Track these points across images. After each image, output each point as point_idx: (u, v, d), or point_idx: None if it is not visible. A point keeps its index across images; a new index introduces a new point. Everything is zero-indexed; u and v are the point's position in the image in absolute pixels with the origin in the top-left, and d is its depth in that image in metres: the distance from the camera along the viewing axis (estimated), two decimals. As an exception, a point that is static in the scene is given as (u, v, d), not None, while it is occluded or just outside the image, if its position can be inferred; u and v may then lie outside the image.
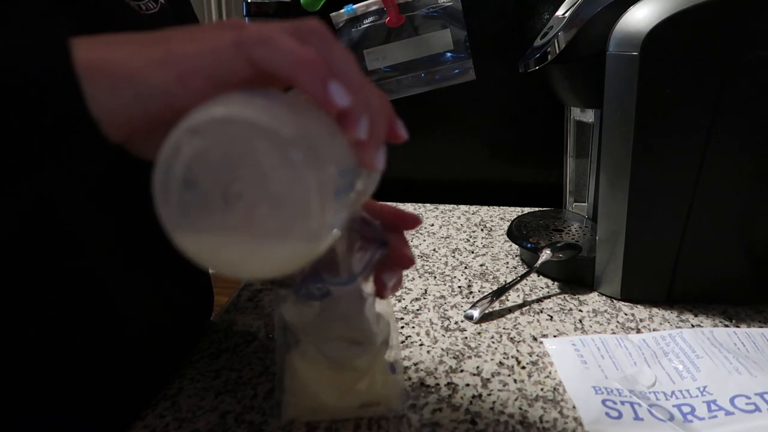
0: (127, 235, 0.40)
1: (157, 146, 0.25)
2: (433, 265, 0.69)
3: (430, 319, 0.57)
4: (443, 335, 0.54)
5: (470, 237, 0.78)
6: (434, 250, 0.74)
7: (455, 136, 0.92)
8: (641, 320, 0.57)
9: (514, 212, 0.87)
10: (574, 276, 0.64)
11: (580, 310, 0.59)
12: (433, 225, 0.83)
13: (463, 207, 0.90)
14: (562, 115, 0.76)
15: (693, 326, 0.55)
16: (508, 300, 0.61)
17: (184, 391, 0.46)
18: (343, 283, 0.35)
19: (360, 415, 0.42)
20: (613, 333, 0.54)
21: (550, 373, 0.48)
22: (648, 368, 0.48)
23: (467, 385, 0.47)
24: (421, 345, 0.53)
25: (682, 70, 0.52)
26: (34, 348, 0.37)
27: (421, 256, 0.72)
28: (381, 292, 0.38)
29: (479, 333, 0.55)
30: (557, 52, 0.59)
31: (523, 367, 0.49)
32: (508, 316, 0.58)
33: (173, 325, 0.48)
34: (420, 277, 0.66)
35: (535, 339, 0.54)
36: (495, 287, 0.63)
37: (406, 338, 0.54)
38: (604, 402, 0.44)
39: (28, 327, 0.36)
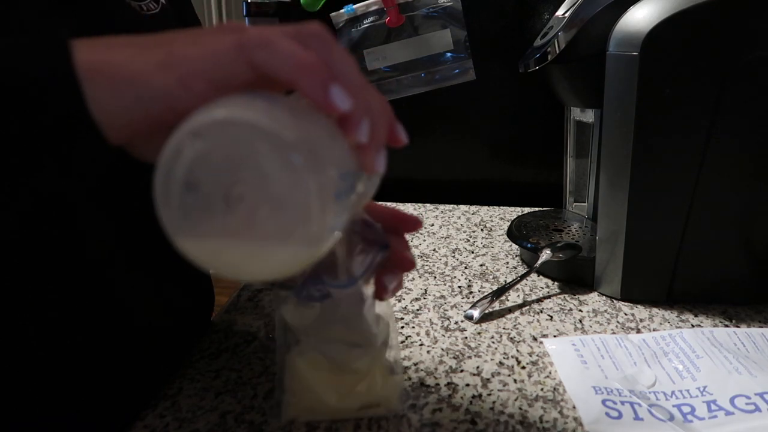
0: (128, 237, 0.40)
1: (158, 149, 0.25)
2: (433, 265, 0.69)
3: (430, 319, 0.57)
4: (443, 335, 0.54)
5: (470, 237, 0.78)
6: (434, 250, 0.74)
7: (455, 136, 0.92)
8: (641, 320, 0.57)
9: (514, 212, 0.87)
10: (574, 276, 0.64)
11: (580, 310, 0.59)
12: (433, 225, 0.83)
13: (463, 207, 0.90)
14: (562, 115, 0.76)
15: (693, 326, 0.55)
16: (508, 300, 0.61)
17: (184, 391, 0.46)
18: (344, 285, 0.35)
19: (360, 416, 0.42)
20: (613, 333, 0.54)
21: (550, 373, 0.49)
22: (648, 368, 0.48)
23: (467, 385, 0.47)
24: (421, 345, 0.53)
25: (682, 70, 0.52)
26: (35, 348, 0.37)
27: (421, 256, 0.72)
28: (381, 295, 0.38)
29: (479, 333, 0.55)
30: (557, 52, 0.59)
31: (523, 367, 0.49)
32: (508, 316, 0.58)
33: (174, 327, 0.48)
34: (420, 277, 0.67)
35: (535, 339, 0.54)
36: (495, 287, 0.63)
37: (406, 338, 0.54)
38: (604, 402, 0.44)
39: (28, 327, 0.36)
